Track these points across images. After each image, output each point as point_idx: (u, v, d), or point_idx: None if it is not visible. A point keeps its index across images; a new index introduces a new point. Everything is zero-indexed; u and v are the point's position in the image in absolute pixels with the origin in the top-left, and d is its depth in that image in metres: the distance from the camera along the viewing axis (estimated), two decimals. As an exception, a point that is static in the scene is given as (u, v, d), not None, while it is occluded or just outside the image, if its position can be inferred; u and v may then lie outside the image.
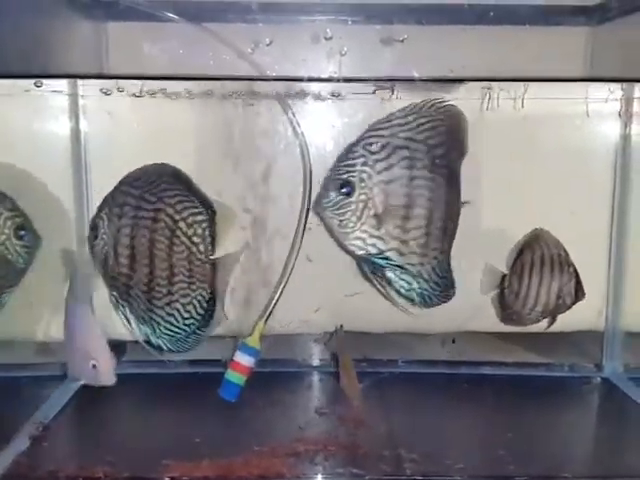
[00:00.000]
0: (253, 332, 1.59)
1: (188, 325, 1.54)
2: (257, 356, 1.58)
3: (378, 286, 1.50)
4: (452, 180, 1.48)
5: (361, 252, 1.45)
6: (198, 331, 1.56)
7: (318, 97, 1.63)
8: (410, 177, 1.41)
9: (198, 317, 1.55)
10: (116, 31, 1.65)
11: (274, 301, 1.62)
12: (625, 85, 1.63)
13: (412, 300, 1.52)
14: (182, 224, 1.49)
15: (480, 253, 1.69)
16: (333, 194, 1.41)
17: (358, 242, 1.43)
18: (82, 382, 1.55)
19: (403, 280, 1.48)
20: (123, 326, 1.61)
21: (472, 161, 1.58)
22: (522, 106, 1.62)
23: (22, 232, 1.56)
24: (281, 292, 1.63)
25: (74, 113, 1.69)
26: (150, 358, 1.76)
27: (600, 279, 1.76)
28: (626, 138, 1.73)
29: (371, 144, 1.40)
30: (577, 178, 1.74)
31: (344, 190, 1.39)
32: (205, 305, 1.55)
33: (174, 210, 1.49)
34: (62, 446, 1.41)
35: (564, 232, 1.65)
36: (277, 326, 1.71)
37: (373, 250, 1.44)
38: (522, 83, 1.55)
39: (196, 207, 1.51)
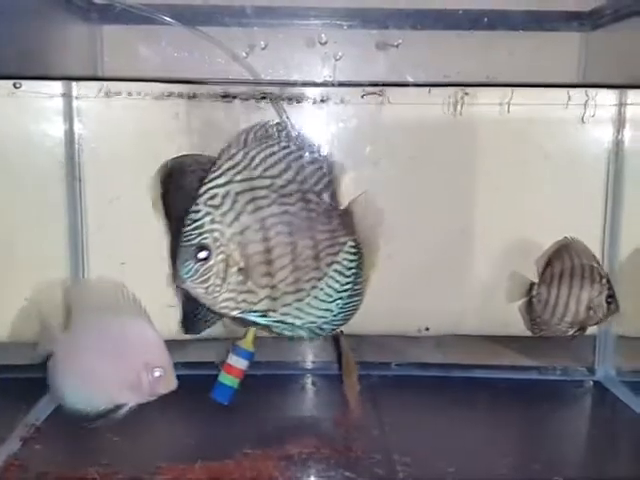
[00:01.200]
0: (247, 334, 1.59)
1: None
2: (251, 358, 1.58)
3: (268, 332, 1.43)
4: (311, 202, 1.36)
5: (235, 312, 1.34)
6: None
7: (309, 101, 1.63)
8: (261, 219, 1.32)
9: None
10: (111, 34, 1.65)
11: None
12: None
13: (303, 336, 1.42)
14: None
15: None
16: (191, 263, 1.28)
17: (229, 303, 1.32)
18: (125, 406, 1.35)
19: (284, 324, 1.39)
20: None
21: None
22: (508, 111, 1.63)
23: None
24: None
25: (67, 115, 1.69)
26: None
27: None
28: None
29: (212, 198, 1.29)
30: (559, 182, 1.75)
31: (201, 255, 1.28)
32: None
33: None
34: (54, 448, 1.40)
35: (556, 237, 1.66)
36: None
37: (245, 306, 1.34)
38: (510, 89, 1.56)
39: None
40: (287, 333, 1.40)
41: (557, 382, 1.79)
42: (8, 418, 1.49)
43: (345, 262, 1.39)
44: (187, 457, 1.32)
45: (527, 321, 1.67)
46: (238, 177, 1.30)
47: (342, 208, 1.40)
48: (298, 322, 1.39)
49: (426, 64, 1.48)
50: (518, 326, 1.69)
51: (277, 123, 1.35)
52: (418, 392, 1.69)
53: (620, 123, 1.71)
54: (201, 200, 1.29)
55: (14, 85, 1.51)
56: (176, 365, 1.72)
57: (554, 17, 1.68)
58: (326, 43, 1.43)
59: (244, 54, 1.43)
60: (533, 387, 1.64)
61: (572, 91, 1.59)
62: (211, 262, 1.28)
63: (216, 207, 1.29)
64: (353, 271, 1.40)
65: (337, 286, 1.39)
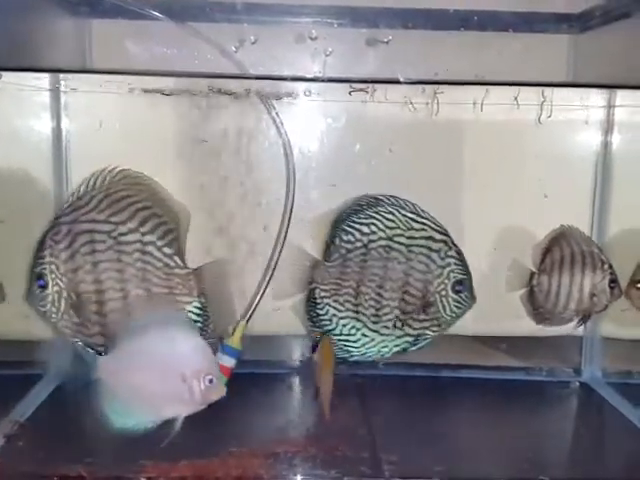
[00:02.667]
0: (234, 333, 1.59)
1: None
2: (238, 357, 1.57)
3: None
4: (149, 255, 1.42)
5: (75, 339, 1.44)
6: None
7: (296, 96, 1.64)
8: (94, 262, 1.39)
9: None
10: (100, 28, 1.64)
11: (255, 302, 1.62)
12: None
13: None
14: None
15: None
16: (33, 287, 1.41)
17: (66, 330, 1.43)
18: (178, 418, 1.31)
19: None
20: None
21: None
22: (481, 110, 1.64)
23: None
24: (262, 293, 1.63)
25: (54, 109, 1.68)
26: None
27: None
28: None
29: (56, 233, 1.39)
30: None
31: (40, 283, 1.40)
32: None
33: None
34: (38, 445, 1.38)
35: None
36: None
37: (82, 337, 1.43)
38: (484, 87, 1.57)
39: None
40: None
41: (544, 383, 1.80)
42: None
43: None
44: (172, 455, 1.30)
45: (530, 311, 1.65)
46: (82, 218, 1.40)
47: (192, 268, 1.45)
48: None
49: (416, 62, 1.48)
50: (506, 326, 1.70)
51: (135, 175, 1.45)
52: (405, 392, 1.69)
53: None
54: (48, 232, 1.40)
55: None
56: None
57: (544, 19, 1.69)
58: (316, 39, 1.43)
59: (233, 48, 1.43)
60: (520, 388, 1.64)
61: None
62: (48, 291, 1.39)
63: (57, 242, 1.39)
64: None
65: None
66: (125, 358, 1.29)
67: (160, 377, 1.28)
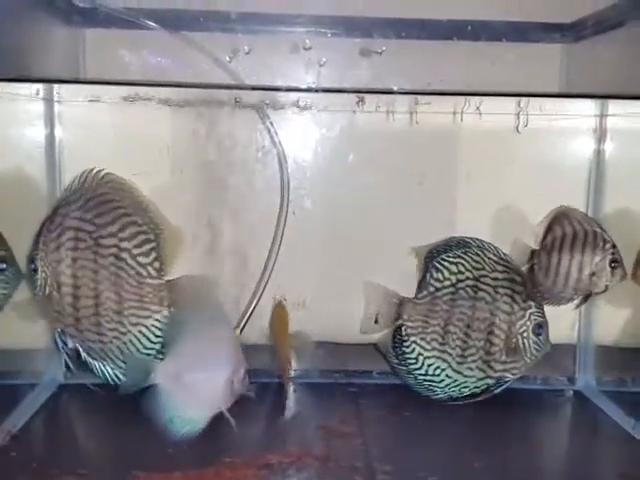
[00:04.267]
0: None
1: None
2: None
3: (68, 361, 1.54)
4: (123, 261, 1.47)
5: (54, 326, 1.50)
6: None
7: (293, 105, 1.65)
8: (74, 258, 1.45)
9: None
10: (94, 38, 1.64)
11: (249, 312, 1.61)
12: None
13: (109, 381, 1.53)
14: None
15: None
16: (28, 269, 1.48)
17: (47, 317, 1.49)
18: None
19: (90, 359, 1.51)
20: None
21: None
22: (461, 120, 1.68)
23: (2, 265, 1.52)
24: (257, 302, 1.63)
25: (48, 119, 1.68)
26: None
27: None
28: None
29: (50, 222, 1.46)
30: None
31: (32, 266, 1.47)
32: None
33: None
34: (30, 456, 1.38)
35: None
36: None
37: (59, 325, 1.49)
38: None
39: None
40: (95, 372, 1.52)
41: (538, 391, 1.79)
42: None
43: (153, 329, 1.48)
44: (166, 466, 1.30)
45: (530, 290, 1.65)
46: (72, 214, 1.45)
47: (166, 280, 1.49)
48: (97, 364, 1.51)
49: (409, 72, 1.48)
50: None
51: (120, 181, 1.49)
52: (400, 400, 1.68)
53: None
54: (47, 220, 1.47)
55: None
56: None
57: (537, 28, 1.69)
58: (310, 49, 1.44)
59: (227, 58, 1.43)
60: (514, 396, 1.64)
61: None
62: (37, 276, 1.47)
63: (49, 231, 1.46)
64: (160, 340, 1.48)
65: (140, 347, 1.49)
66: (180, 362, 1.34)
67: (208, 376, 1.33)
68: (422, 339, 1.61)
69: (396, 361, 1.64)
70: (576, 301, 1.65)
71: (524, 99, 1.61)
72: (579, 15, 1.66)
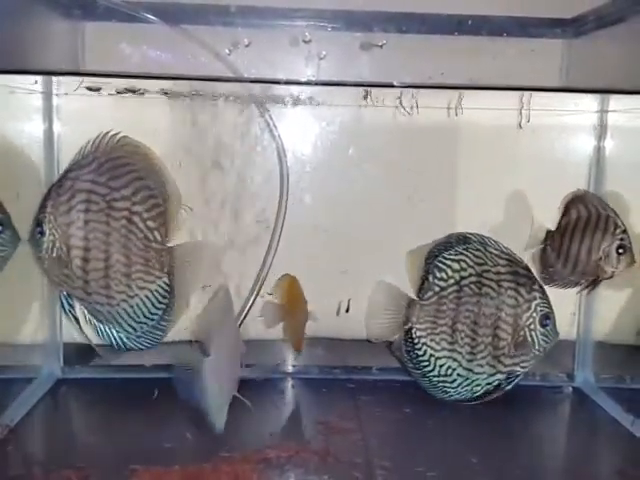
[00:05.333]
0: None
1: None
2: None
3: (74, 323, 1.53)
4: (134, 225, 1.47)
5: (61, 288, 1.50)
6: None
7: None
8: (85, 220, 1.44)
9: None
10: (94, 31, 1.64)
11: (247, 307, 1.61)
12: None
13: (110, 343, 1.53)
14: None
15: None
16: (34, 233, 1.47)
17: (55, 279, 1.49)
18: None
19: (95, 320, 1.51)
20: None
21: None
22: (456, 115, 1.68)
23: None
24: (255, 298, 1.63)
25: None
26: (121, 362, 1.75)
27: (572, 290, 1.77)
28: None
29: (59, 186, 1.45)
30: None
31: (38, 229, 1.46)
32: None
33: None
34: (28, 450, 1.37)
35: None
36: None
37: (67, 287, 1.49)
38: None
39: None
40: (99, 333, 1.51)
41: (537, 388, 1.79)
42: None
43: (157, 294, 1.50)
44: (164, 460, 1.30)
45: (539, 270, 1.64)
46: (84, 177, 1.44)
47: (170, 245, 1.51)
48: (103, 327, 1.50)
49: (410, 66, 1.48)
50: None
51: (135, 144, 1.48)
52: (399, 396, 1.68)
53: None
54: (54, 184, 1.46)
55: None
56: (154, 368, 1.74)
57: (537, 23, 1.69)
58: (310, 42, 1.43)
59: (227, 51, 1.42)
60: (513, 392, 1.63)
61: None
62: (44, 238, 1.45)
63: (58, 195, 1.45)
64: (162, 306, 1.50)
65: (145, 311, 1.49)
66: (219, 356, 1.35)
67: (233, 364, 1.39)
68: (432, 340, 1.60)
69: (411, 365, 1.63)
70: (583, 286, 1.63)
71: (525, 95, 1.61)
72: (580, 10, 1.65)
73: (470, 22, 1.54)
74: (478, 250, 1.59)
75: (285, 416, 1.59)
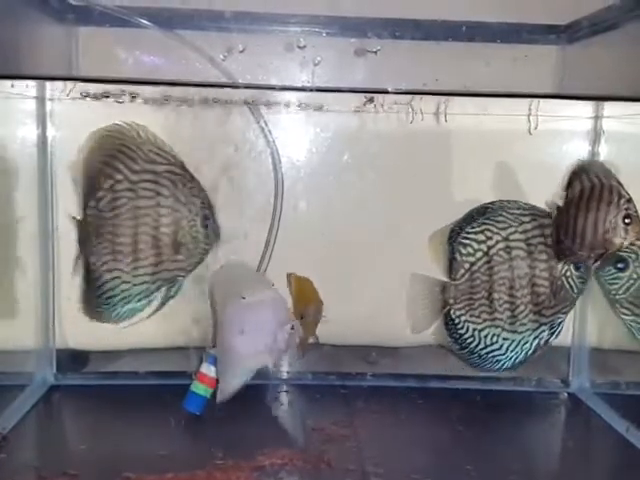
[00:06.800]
0: (220, 343, 1.57)
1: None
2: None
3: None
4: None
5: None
6: None
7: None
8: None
9: None
10: (87, 36, 1.63)
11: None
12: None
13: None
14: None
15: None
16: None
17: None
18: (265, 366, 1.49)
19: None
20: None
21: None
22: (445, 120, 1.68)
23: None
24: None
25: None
26: (114, 369, 1.74)
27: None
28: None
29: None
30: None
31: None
32: None
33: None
34: (20, 457, 1.36)
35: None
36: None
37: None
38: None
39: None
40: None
41: (532, 393, 1.79)
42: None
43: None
44: (157, 468, 1.29)
45: (552, 246, 1.61)
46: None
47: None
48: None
49: (404, 72, 1.48)
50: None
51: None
52: (393, 403, 1.68)
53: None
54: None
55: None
56: (148, 375, 1.74)
57: (531, 30, 1.69)
58: (305, 47, 1.43)
59: (221, 57, 1.42)
60: (508, 398, 1.64)
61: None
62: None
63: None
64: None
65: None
66: (229, 326, 1.43)
67: (252, 335, 1.43)
68: (471, 315, 1.61)
69: (457, 346, 1.64)
70: (593, 260, 1.58)
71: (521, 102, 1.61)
72: (574, 17, 1.66)
73: (464, 28, 1.54)
74: (500, 215, 1.59)
75: (278, 423, 1.58)
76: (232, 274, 1.58)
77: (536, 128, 1.70)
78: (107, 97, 1.59)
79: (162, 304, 1.59)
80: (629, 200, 1.50)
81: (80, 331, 1.69)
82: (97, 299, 1.55)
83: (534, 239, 1.58)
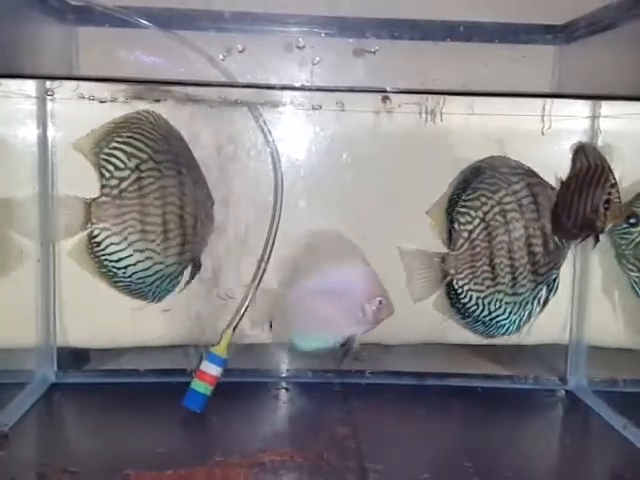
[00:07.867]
0: (221, 341, 1.58)
1: None
2: (224, 365, 1.57)
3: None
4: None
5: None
6: None
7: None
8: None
9: None
10: (87, 36, 1.64)
11: (242, 310, 1.61)
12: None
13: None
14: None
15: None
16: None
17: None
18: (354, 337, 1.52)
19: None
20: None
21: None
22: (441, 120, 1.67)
23: None
24: (250, 300, 1.63)
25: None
26: (114, 367, 1.75)
27: (565, 293, 1.78)
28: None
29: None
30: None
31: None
32: None
33: None
34: (21, 455, 1.37)
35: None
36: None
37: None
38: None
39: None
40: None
41: (530, 391, 1.80)
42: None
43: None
44: (158, 465, 1.29)
45: (553, 223, 1.62)
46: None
47: None
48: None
49: (402, 72, 1.49)
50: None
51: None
52: (392, 400, 1.69)
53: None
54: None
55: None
56: (148, 373, 1.74)
57: (529, 29, 1.70)
58: (304, 47, 1.44)
59: (221, 57, 1.43)
60: (506, 395, 1.64)
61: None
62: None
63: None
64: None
65: None
66: (308, 289, 1.47)
67: (338, 302, 1.47)
68: (475, 284, 1.61)
69: (459, 316, 1.64)
70: (580, 239, 1.63)
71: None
72: (571, 17, 1.67)
73: (462, 28, 1.55)
74: (491, 177, 1.59)
75: (278, 420, 1.59)
76: (327, 242, 1.59)
77: (550, 128, 1.70)
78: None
79: (187, 283, 1.64)
80: (612, 185, 1.53)
81: (81, 329, 1.70)
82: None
83: (524, 199, 1.58)
